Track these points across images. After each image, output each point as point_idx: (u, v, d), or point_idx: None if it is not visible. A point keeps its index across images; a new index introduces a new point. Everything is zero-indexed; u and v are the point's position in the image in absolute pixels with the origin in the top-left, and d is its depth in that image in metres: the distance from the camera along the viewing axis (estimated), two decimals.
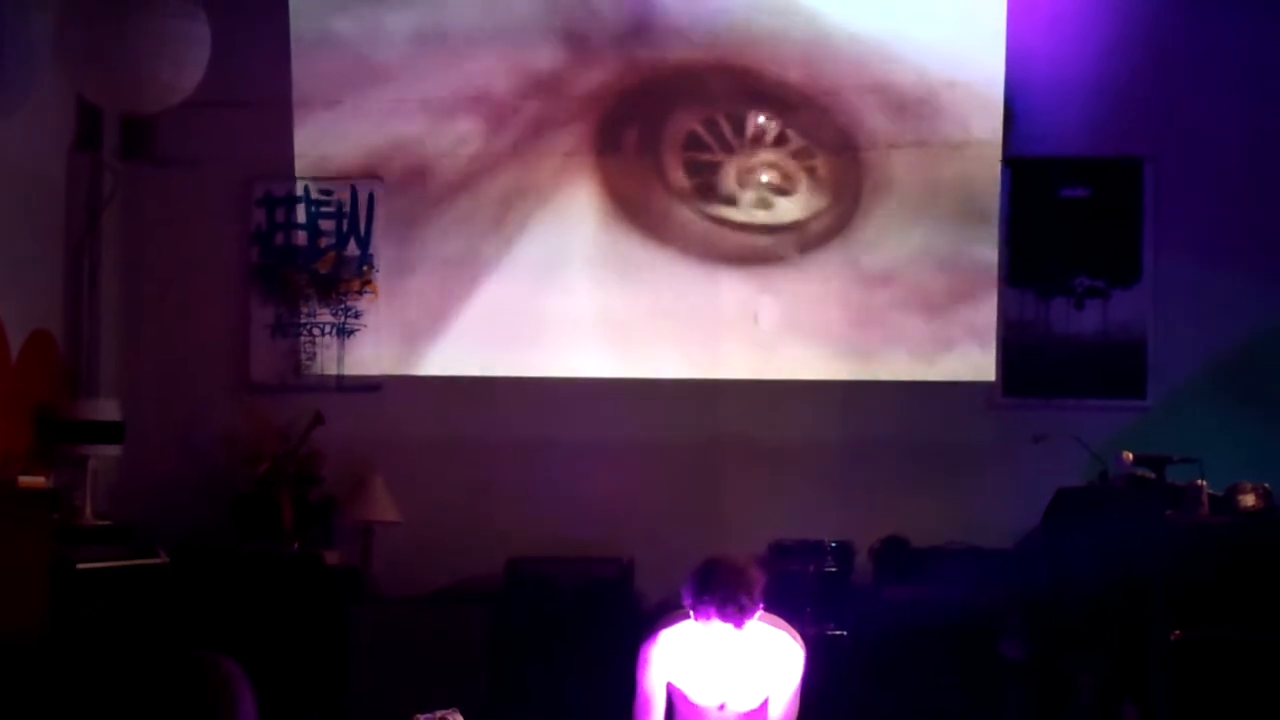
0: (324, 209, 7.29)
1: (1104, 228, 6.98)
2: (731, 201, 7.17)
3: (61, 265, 6.84)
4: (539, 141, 7.22)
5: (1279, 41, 6.92)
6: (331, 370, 7.24)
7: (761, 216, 7.17)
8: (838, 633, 6.39)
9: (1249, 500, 5.93)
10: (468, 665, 6.62)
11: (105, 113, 6.84)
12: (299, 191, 7.29)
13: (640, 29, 7.16)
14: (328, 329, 7.26)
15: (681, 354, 7.13)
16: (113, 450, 6.57)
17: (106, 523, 6.37)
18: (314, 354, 7.25)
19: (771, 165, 7.16)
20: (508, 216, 7.22)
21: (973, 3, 7.01)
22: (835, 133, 7.13)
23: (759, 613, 4.52)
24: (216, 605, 6.40)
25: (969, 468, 6.85)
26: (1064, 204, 7.02)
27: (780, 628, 4.69)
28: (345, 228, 7.28)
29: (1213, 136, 6.90)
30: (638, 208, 7.20)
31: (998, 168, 7.02)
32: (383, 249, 7.26)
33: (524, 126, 7.22)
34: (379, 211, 7.26)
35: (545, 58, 7.19)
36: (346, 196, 7.28)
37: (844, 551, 6.64)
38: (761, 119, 7.17)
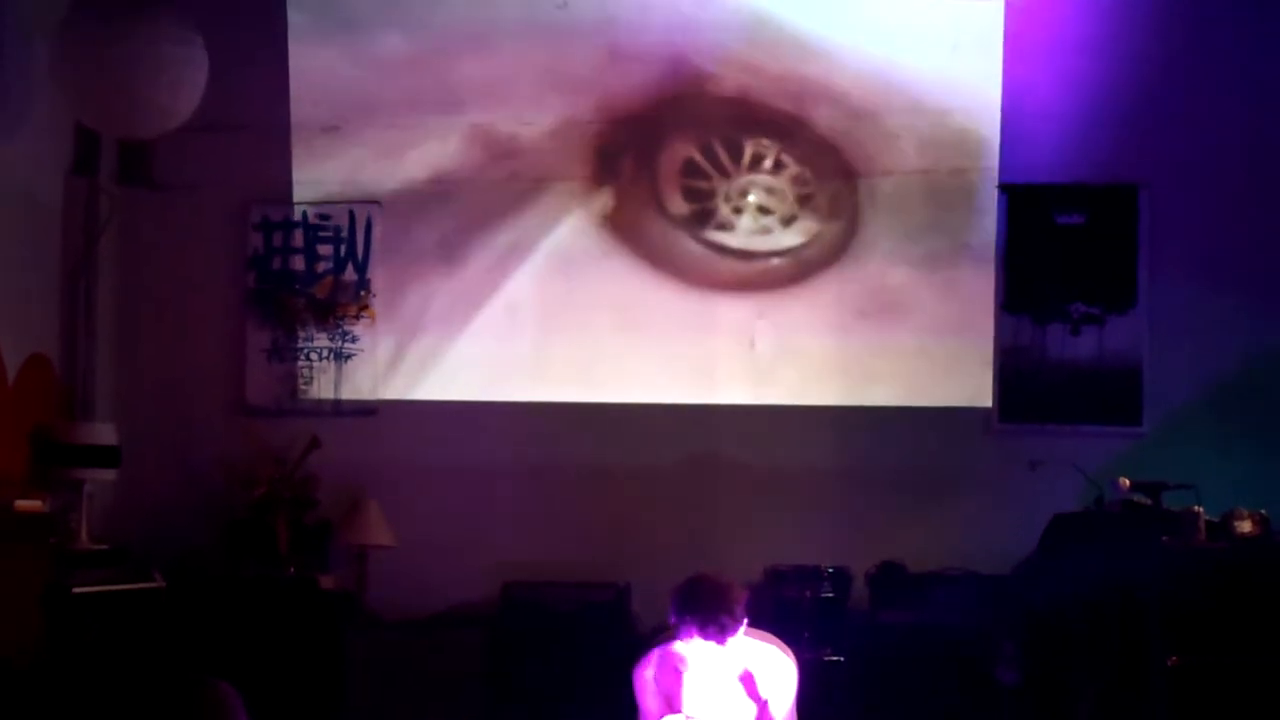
0: (321, 234, 7.30)
1: (1100, 254, 7.00)
2: (728, 227, 7.18)
3: (58, 289, 6.84)
4: (537, 168, 7.23)
5: (1273, 68, 6.95)
6: (328, 395, 7.24)
7: (758, 242, 7.18)
8: (834, 658, 6.39)
9: (1245, 526, 5.94)
10: (463, 689, 6.61)
11: (103, 137, 6.85)
12: (296, 216, 7.31)
13: (637, 57, 7.18)
14: (324, 353, 7.26)
15: (678, 379, 7.14)
16: (109, 474, 6.56)
17: (103, 546, 6.35)
18: (311, 378, 7.25)
19: (768, 192, 7.18)
20: (504, 242, 7.23)
21: (969, 30, 7.03)
22: (832, 159, 7.15)
23: (743, 629, 4.56)
24: (212, 629, 6.39)
25: (965, 493, 6.86)
26: (1060, 230, 7.04)
27: (769, 641, 4.71)
28: (343, 252, 7.29)
29: (1208, 163, 6.92)
30: (635, 234, 7.21)
31: (994, 194, 7.04)
32: (380, 274, 7.27)
33: (522, 153, 7.24)
34: (376, 236, 7.27)
35: (543, 86, 7.21)
36: (344, 221, 7.29)
37: (841, 577, 6.63)
38: (758, 147, 7.18)
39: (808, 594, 6.55)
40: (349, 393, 7.24)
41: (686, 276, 7.17)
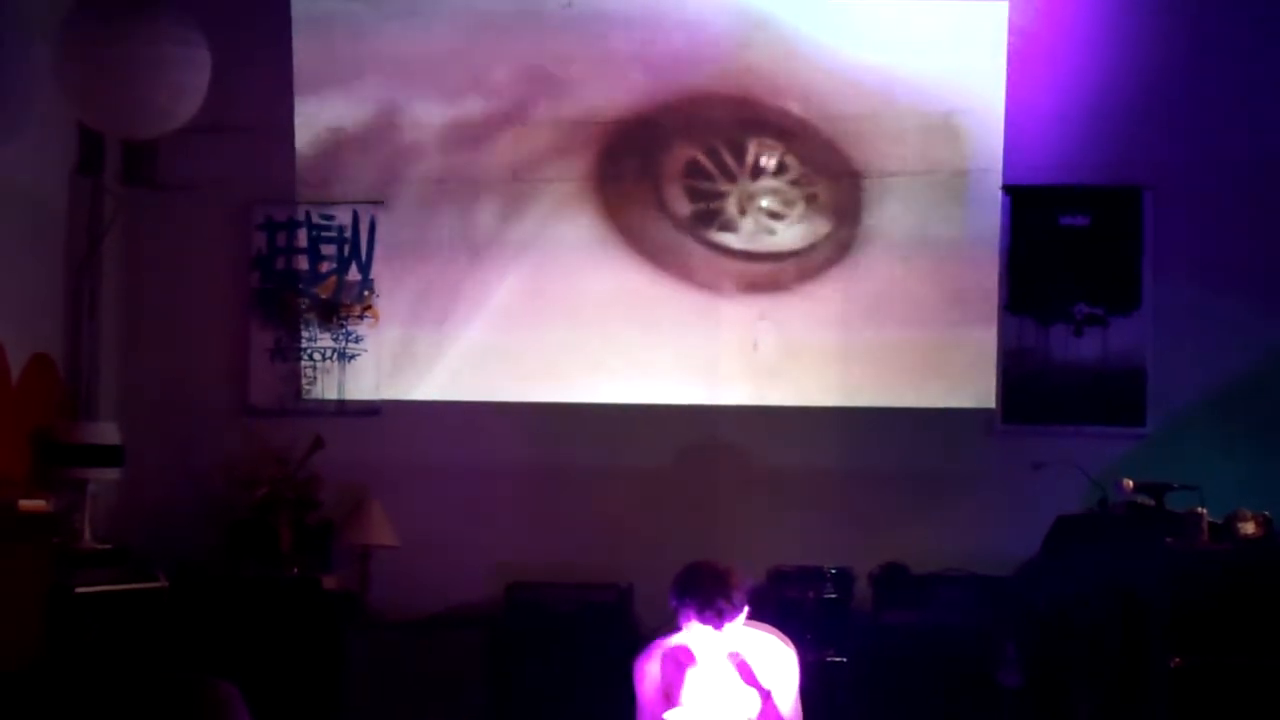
0: (325, 233, 7.31)
1: (1104, 255, 7.00)
2: (732, 229, 7.18)
3: (62, 289, 6.85)
4: (540, 169, 7.23)
5: (1277, 70, 6.95)
6: (331, 395, 7.25)
7: (761, 243, 7.18)
8: (837, 659, 6.38)
9: (1249, 528, 5.93)
10: (465, 690, 6.61)
11: (106, 138, 6.85)
12: (300, 216, 7.31)
13: (641, 58, 7.18)
14: (328, 353, 7.27)
15: (681, 380, 7.14)
16: (112, 474, 6.57)
17: (106, 546, 6.36)
18: (314, 378, 7.25)
19: (772, 193, 7.18)
20: (508, 242, 7.24)
21: (972, 31, 7.04)
22: (836, 161, 7.15)
23: (743, 617, 4.57)
24: (215, 629, 6.39)
25: (968, 494, 6.86)
26: (1064, 232, 7.04)
27: (769, 632, 4.72)
28: (346, 252, 7.30)
29: (1212, 165, 6.92)
30: (638, 235, 7.22)
31: (998, 195, 7.04)
32: (383, 273, 7.27)
33: (525, 154, 7.24)
34: (380, 236, 7.28)
35: (547, 85, 7.22)
36: (347, 221, 7.30)
37: (843, 578, 6.63)
38: (762, 148, 7.18)
39: (810, 595, 6.55)
40: (352, 393, 7.25)
41: (690, 277, 7.17)
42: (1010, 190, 7.05)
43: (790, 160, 7.18)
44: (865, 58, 7.09)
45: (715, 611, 4.52)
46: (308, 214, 7.31)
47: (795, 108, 7.15)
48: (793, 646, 4.74)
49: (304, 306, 7.27)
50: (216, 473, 7.02)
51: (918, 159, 7.09)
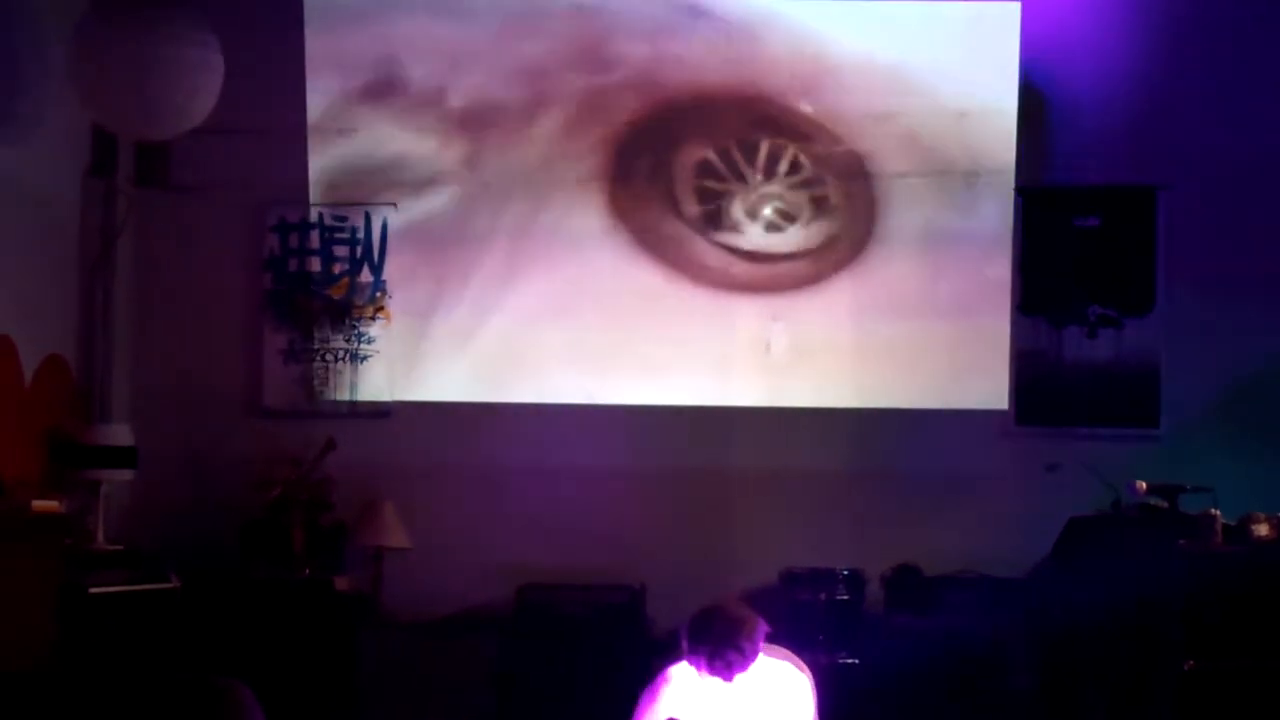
0: (337, 235, 7.31)
1: (1117, 257, 6.99)
2: (744, 229, 7.18)
3: (76, 290, 6.86)
4: (553, 169, 7.23)
5: None
6: (344, 396, 7.25)
7: (774, 244, 7.17)
8: (849, 661, 6.38)
9: (1262, 530, 5.92)
10: (477, 691, 6.62)
11: (119, 139, 6.86)
12: (313, 217, 7.32)
13: (654, 58, 7.18)
14: (340, 354, 7.27)
15: (693, 381, 7.14)
16: (125, 475, 6.57)
17: (119, 547, 6.36)
18: (327, 379, 7.26)
19: (784, 194, 7.18)
20: (520, 243, 7.24)
21: (986, 32, 7.03)
22: (848, 161, 7.14)
23: (759, 655, 4.47)
24: (227, 630, 6.39)
25: (981, 496, 6.84)
26: (1077, 233, 7.03)
27: (783, 658, 4.64)
28: (359, 254, 7.30)
29: (1226, 166, 6.90)
30: (650, 235, 7.21)
31: (1010, 196, 7.03)
32: (396, 275, 7.28)
33: (538, 154, 7.24)
34: (392, 237, 7.28)
35: (558, 86, 7.22)
36: (360, 222, 7.30)
37: (855, 580, 6.63)
38: (774, 148, 7.18)
39: (822, 596, 6.54)
40: (365, 394, 7.25)
41: (702, 278, 7.17)
42: (1023, 191, 7.04)
43: (803, 161, 7.17)
44: (878, 58, 7.08)
45: (725, 664, 4.41)
46: (320, 215, 7.32)
47: (807, 108, 7.15)
48: (808, 673, 4.66)
49: (316, 308, 7.28)
50: (229, 474, 7.02)
51: (930, 159, 7.08)
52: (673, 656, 4.68)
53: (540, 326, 7.19)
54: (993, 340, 7.02)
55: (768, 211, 7.18)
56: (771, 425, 7.06)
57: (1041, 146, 7.01)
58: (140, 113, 6.07)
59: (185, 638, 6.17)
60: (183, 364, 7.26)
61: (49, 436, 6.36)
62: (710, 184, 7.20)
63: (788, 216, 7.18)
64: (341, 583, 6.77)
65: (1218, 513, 5.93)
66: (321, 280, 7.31)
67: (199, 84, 6.06)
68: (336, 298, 7.29)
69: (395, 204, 7.30)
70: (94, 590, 5.87)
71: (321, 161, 7.29)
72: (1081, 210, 7.04)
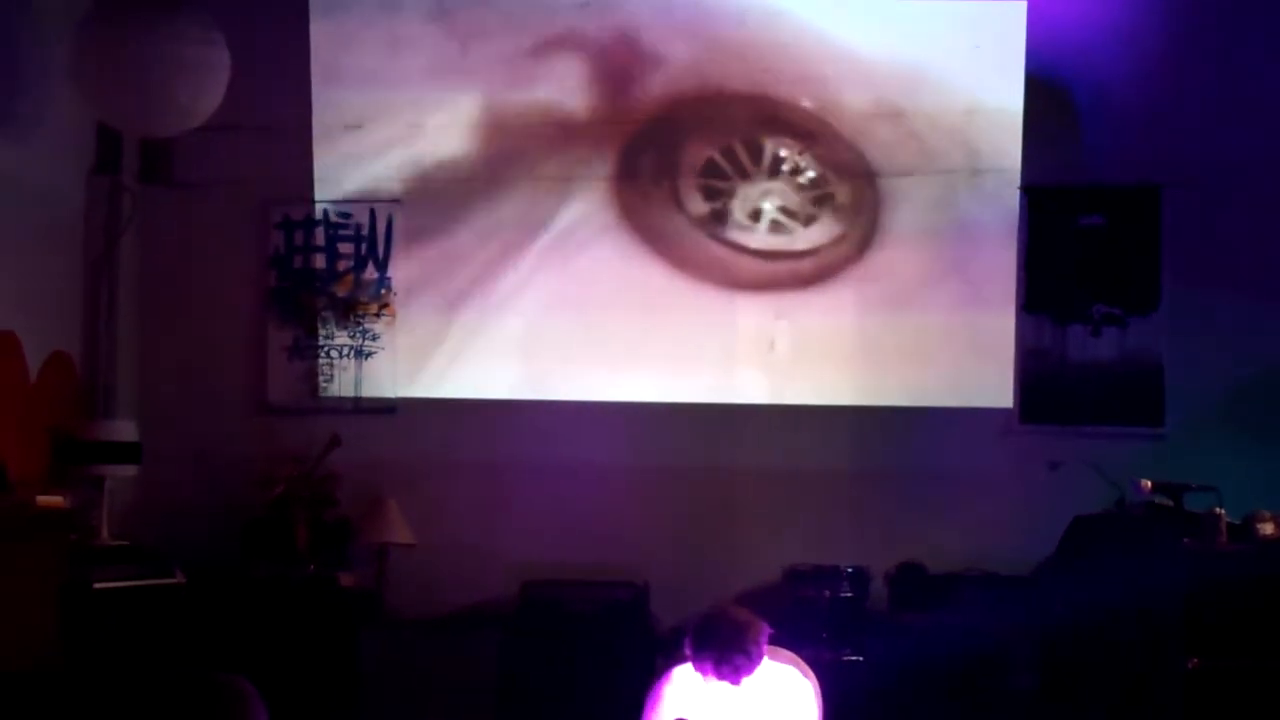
0: (342, 232, 7.32)
1: (1122, 255, 6.98)
2: (748, 228, 7.17)
3: (80, 287, 6.87)
4: (557, 167, 7.23)
5: None
6: (348, 393, 7.26)
7: (778, 243, 7.17)
8: (853, 659, 6.38)
9: (1267, 529, 5.90)
10: (481, 688, 6.62)
11: (124, 136, 6.87)
12: (317, 214, 7.32)
13: (658, 56, 7.18)
14: (345, 351, 7.28)
15: (697, 379, 7.14)
16: (129, 471, 6.58)
17: (123, 543, 6.37)
18: (331, 376, 7.26)
19: (789, 192, 7.17)
20: (524, 240, 7.24)
21: (991, 30, 7.02)
22: (853, 160, 7.14)
23: (763, 658, 4.47)
24: (231, 627, 6.40)
25: (985, 494, 6.84)
26: (1082, 231, 7.02)
27: (788, 662, 4.64)
28: (363, 250, 7.30)
29: (1231, 164, 6.90)
30: (655, 233, 7.21)
31: (1015, 195, 7.03)
32: (401, 272, 7.28)
33: (542, 152, 7.25)
34: (397, 234, 7.29)
35: (564, 85, 7.22)
36: (365, 219, 7.31)
37: (860, 577, 6.63)
38: (779, 146, 7.18)
39: (826, 594, 6.55)
40: (369, 391, 7.26)
41: (706, 276, 7.17)
42: (1027, 190, 7.03)
43: (807, 159, 7.17)
44: (883, 57, 7.08)
45: (731, 668, 4.41)
46: (325, 212, 7.32)
47: (812, 106, 7.15)
48: (813, 678, 4.65)
49: (321, 305, 7.29)
50: (233, 470, 7.03)
51: (935, 158, 7.08)
52: (676, 656, 4.68)
53: (545, 323, 7.20)
54: (997, 338, 7.02)
55: (772, 210, 7.18)
56: (775, 423, 7.06)
57: (1046, 145, 7.00)
58: (145, 110, 6.07)
59: (189, 634, 6.17)
60: (187, 360, 7.26)
61: (54, 432, 6.37)
62: (715, 183, 7.20)
63: (792, 215, 7.18)
64: (346, 579, 6.78)
65: (1222, 511, 5.92)
66: (326, 277, 7.32)
67: (204, 81, 6.06)
68: (341, 294, 7.30)
69: (400, 200, 7.30)
70: (98, 586, 5.88)
71: (326, 158, 7.29)
72: (1086, 209, 7.03)
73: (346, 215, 7.32)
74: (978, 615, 6.44)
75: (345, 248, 7.32)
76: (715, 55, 7.16)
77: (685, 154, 7.22)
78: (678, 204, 7.22)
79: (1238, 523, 5.94)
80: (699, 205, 7.21)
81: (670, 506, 7.02)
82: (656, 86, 7.20)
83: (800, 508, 6.94)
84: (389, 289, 7.29)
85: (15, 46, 6.22)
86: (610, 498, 7.01)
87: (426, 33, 7.26)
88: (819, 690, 4.65)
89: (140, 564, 6.20)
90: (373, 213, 7.30)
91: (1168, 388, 6.90)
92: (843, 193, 7.16)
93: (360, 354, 7.27)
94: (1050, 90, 6.99)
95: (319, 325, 7.28)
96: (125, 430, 6.60)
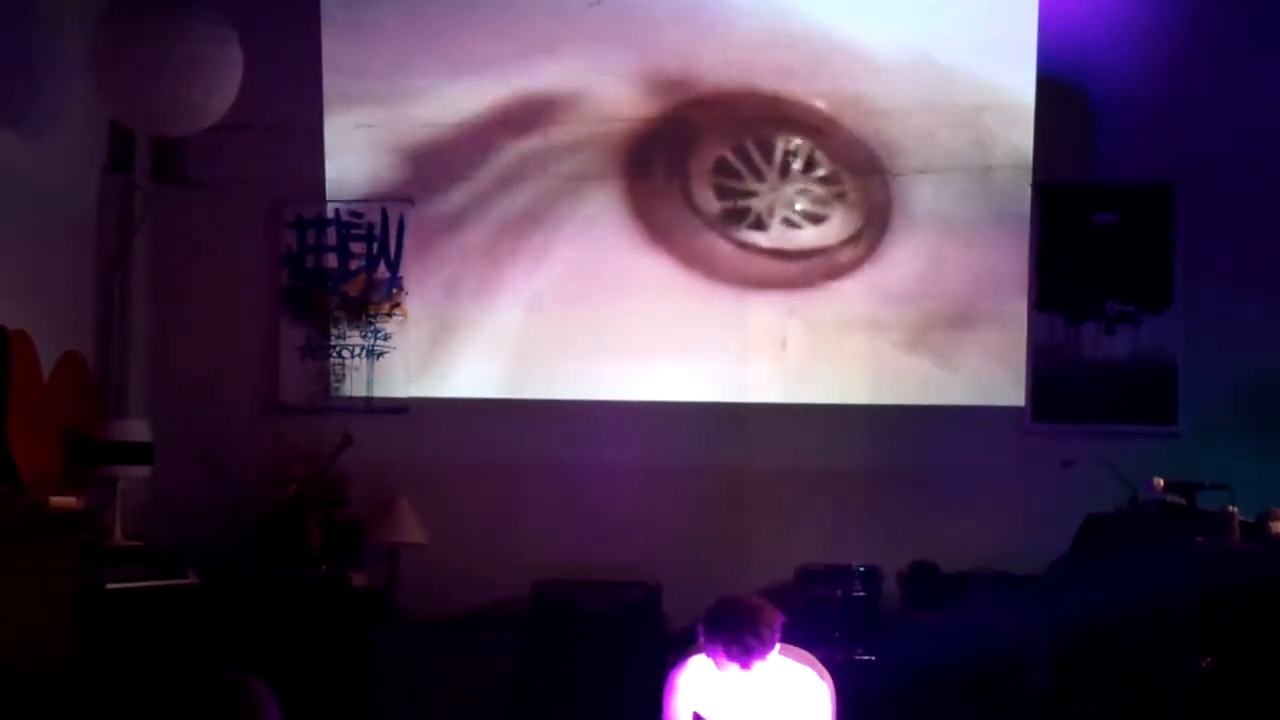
0: (354, 231, 7.32)
1: (1135, 253, 6.96)
2: (760, 226, 7.17)
3: (93, 286, 6.88)
4: (569, 166, 7.23)
5: None
6: (360, 392, 7.26)
7: (790, 242, 7.17)
8: (866, 658, 6.37)
9: None
10: (493, 688, 6.62)
11: (137, 135, 6.88)
12: (329, 214, 7.33)
13: (669, 54, 7.18)
14: (357, 351, 7.28)
15: (709, 378, 7.13)
16: (142, 471, 6.59)
17: (136, 543, 6.38)
18: (343, 376, 7.27)
19: (801, 190, 7.17)
20: (537, 239, 7.24)
21: (1003, 27, 7.00)
22: (864, 158, 7.13)
23: (776, 650, 4.46)
24: (243, 626, 6.40)
25: (998, 493, 6.82)
26: (1094, 229, 7.01)
27: (804, 662, 4.63)
28: (375, 250, 7.31)
29: (1244, 161, 6.87)
30: (666, 232, 7.21)
31: (1028, 192, 7.01)
32: (413, 271, 7.28)
33: (554, 151, 7.25)
34: (409, 234, 7.29)
35: (576, 83, 7.22)
36: (377, 219, 7.31)
37: (872, 576, 6.62)
38: (791, 144, 7.17)
39: (839, 593, 6.53)
40: (381, 390, 7.26)
41: (718, 275, 7.17)
42: (1040, 187, 7.02)
43: (819, 158, 7.16)
44: (894, 54, 7.07)
45: (743, 650, 4.39)
46: (337, 211, 7.33)
47: (824, 105, 7.14)
48: (828, 678, 4.64)
49: (333, 304, 7.29)
50: (245, 470, 7.05)
51: (947, 156, 7.06)
52: (690, 648, 4.68)
53: (557, 323, 7.20)
54: (1009, 336, 7.01)
55: (784, 208, 7.17)
56: (788, 422, 7.05)
57: (1059, 142, 6.98)
58: (158, 109, 6.08)
59: (201, 634, 6.18)
60: (199, 360, 7.27)
61: (67, 433, 6.38)
62: (727, 182, 7.20)
63: (804, 213, 7.17)
64: (357, 579, 6.78)
65: (1236, 510, 5.90)
66: (338, 277, 7.32)
67: (217, 80, 6.07)
68: (353, 294, 7.30)
69: (412, 200, 7.30)
70: (111, 586, 5.89)
71: (338, 157, 7.30)
72: (1099, 206, 7.01)
73: (358, 214, 7.32)
74: (990, 614, 6.43)
75: (357, 247, 7.32)
76: (727, 53, 7.15)
77: (697, 152, 7.21)
78: (689, 202, 7.21)
79: (1251, 521, 5.92)
80: (711, 203, 7.20)
81: (682, 506, 7.01)
82: (668, 84, 7.19)
83: (812, 507, 6.93)
84: (401, 288, 7.29)
85: (29, 46, 6.24)
86: (622, 497, 7.01)
87: (438, 31, 7.26)
88: (834, 693, 4.64)
89: (153, 564, 6.21)
90: (384, 212, 7.31)
91: (1181, 386, 6.88)
92: (854, 190, 7.15)
93: (372, 353, 7.28)
94: (1062, 87, 6.97)
95: (331, 325, 7.28)
96: (138, 430, 6.62)
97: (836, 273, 7.13)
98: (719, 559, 6.86)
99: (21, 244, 6.12)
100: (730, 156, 7.20)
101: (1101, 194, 7.02)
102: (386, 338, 7.28)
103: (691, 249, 7.19)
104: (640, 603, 6.67)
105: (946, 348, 7.03)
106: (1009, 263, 7.03)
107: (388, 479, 6.99)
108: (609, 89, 7.22)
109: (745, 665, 4.43)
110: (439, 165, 7.30)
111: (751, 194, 7.18)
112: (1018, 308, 7.01)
